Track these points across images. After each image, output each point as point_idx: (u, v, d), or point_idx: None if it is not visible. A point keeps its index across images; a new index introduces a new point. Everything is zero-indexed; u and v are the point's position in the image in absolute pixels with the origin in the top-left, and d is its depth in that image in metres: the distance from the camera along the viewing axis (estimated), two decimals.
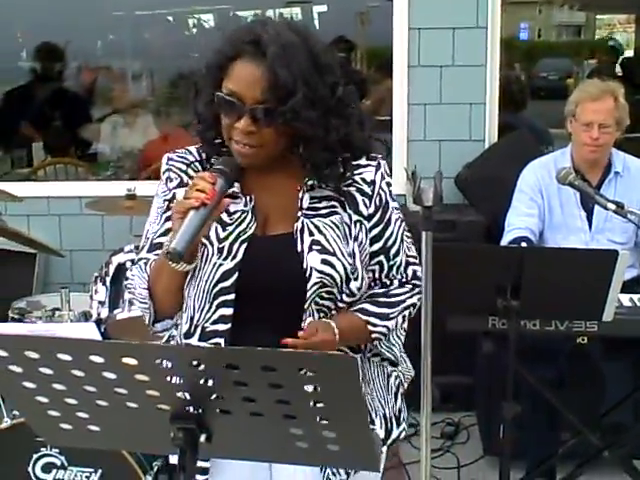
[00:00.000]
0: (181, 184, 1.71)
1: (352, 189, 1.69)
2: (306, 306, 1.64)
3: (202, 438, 1.31)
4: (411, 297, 1.76)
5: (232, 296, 1.65)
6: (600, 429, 2.98)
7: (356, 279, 1.67)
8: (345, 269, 1.65)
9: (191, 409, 1.29)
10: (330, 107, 1.60)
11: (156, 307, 1.69)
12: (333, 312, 1.68)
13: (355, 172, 1.70)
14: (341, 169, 1.67)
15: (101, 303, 2.92)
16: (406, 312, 1.76)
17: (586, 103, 3.04)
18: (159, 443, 1.40)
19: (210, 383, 1.24)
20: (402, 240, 1.75)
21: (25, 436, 2.47)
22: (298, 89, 1.55)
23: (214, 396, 1.27)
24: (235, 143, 1.61)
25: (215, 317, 1.67)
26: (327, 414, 1.25)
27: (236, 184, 1.67)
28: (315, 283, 1.63)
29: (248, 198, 1.69)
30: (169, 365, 1.23)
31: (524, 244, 2.90)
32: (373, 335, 1.72)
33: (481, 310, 2.57)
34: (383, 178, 1.72)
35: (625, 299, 2.75)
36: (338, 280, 1.65)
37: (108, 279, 2.95)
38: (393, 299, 1.74)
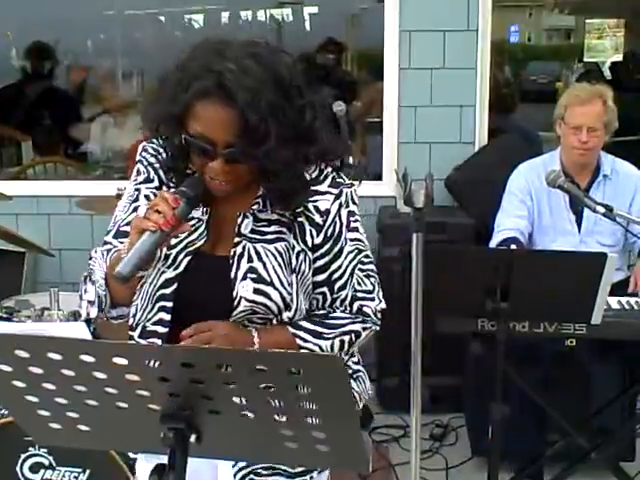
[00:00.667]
0: (147, 179, 1.70)
1: (302, 218, 1.64)
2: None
3: (192, 438, 1.31)
4: (353, 324, 1.68)
5: (170, 304, 1.66)
6: (588, 431, 2.99)
7: (289, 309, 1.63)
8: (283, 299, 1.62)
9: (181, 409, 1.29)
10: (301, 134, 1.57)
11: (112, 295, 1.70)
12: None
13: (310, 199, 1.63)
14: (304, 196, 1.62)
15: (90, 303, 2.89)
16: (345, 337, 1.67)
17: (575, 106, 3.06)
18: (149, 443, 1.40)
19: (200, 383, 1.24)
20: (351, 274, 1.67)
21: (13, 436, 2.46)
22: (270, 129, 1.51)
23: (204, 396, 1.27)
24: (210, 179, 1.59)
25: (155, 319, 1.68)
26: (316, 414, 1.25)
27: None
28: (242, 311, 1.62)
29: (205, 209, 1.67)
30: (159, 365, 1.23)
31: (514, 245, 2.91)
32: (302, 351, 1.64)
33: (470, 312, 2.58)
34: (342, 207, 1.65)
35: (613, 302, 2.77)
36: (274, 309, 1.62)
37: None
38: (331, 321, 1.67)
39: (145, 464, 1.74)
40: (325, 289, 1.67)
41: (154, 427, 1.30)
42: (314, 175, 1.65)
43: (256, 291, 1.61)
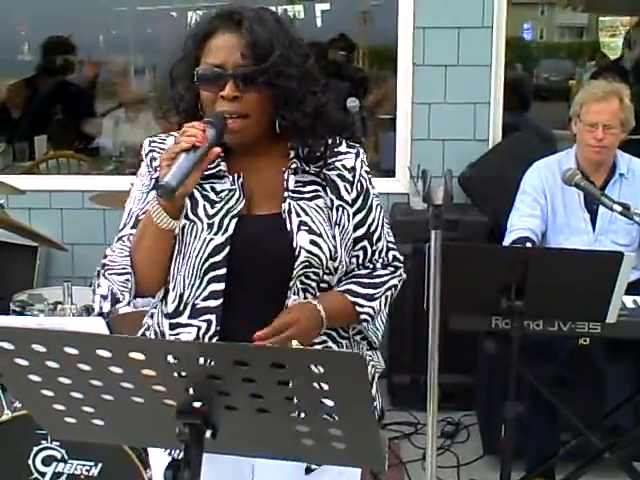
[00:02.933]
0: None
1: (333, 174, 1.72)
2: (291, 284, 1.66)
3: (207, 434, 1.30)
4: (392, 278, 1.79)
5: (223, 271, 1.65)
6: (601, 430, 2.98)
7: (335, 259, 1.70)
8: (330, 250, 1.68)
9: (197, 405, 1.29)
10: (305, 74, 1.65)
11: (137, 278, 1.66)
12: (315, 291, 1.70)
13: (336, 159, 1.73)
14: (323, 144, 1.70)
15: (103, 297, 2.92)
16: (388, 293, 1.79)
17: (591, 104, 3.04)
18: (164, 438, 1.40)
19: (217, 379, 1.23)
20: (383, 226, 1.79)
21: (26, 429, 2.47)
22: (276, 47, 1.60)
23: (221, 392, 1.26)
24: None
25: (206, 293, 1.66)
26: (334, 411, 1.25)
27: (222, 164, 1.69)
28: (302, 262, 1.65)
29: (235, 176, 1.70)
30: (176, 360, 1.22)
31: (529, 244, 2.90)
32: (361, 317, 1.74)
33: (484, 310, 2.57)
34: (362, 165, 1.76)
35: (628, 301, 2.75)
36: (324, 260, 1.68)
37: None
38: (377, 280, 1.77)
39: (159, 453, 1.73)
40: (366, 242, 1.77)
41: (169, 422, 1.29)
42: (330, 141, 1.73)
43: (311, 242, 1.66)
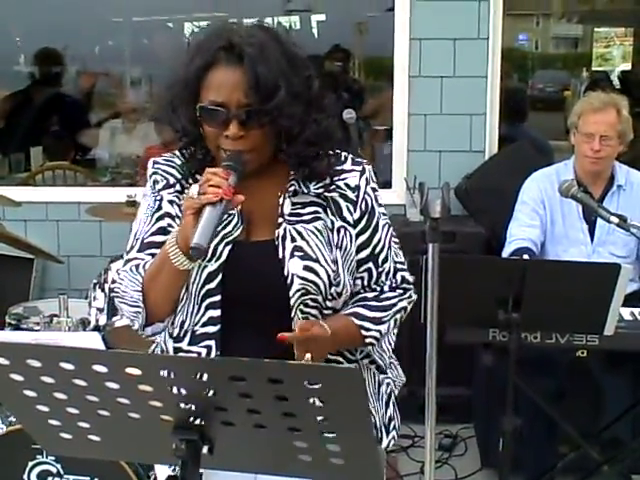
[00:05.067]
0: (167, 186, 1.71)
1: (335, 195, 1.68)
2: (292, 314, 1.63)
3: (204, 450, 1.29)
4: (401, 301, 1.75)
5: (218, 297, 1.64)
6: (599, 443, 2.96)
7: (337, 285, 1.66)
8: (328, 276, 1.64)
9: (194, 420, 1.28)
10: (309, 100, 1.62)
11: (148, 311, 1.65)
12: (319, 319, 1.66)
13: (339, 177, 1.68)
14: (326, 163, 1.67)
15: (100, 310, 2.91)
16: (397, 316, 1.74)
17: (588, 114, 3.05)
18: (160, 454, 1.38)
19: (214, 394, 1.22)
20: (390, 247, 1.73)
21: (21, 443, 2.45)
22: (280, 86, 1.56)
23: (218, 407, 1.25)
24: (223, 153, 1.60)
25: (204, 319, 1.66)
26: (332, 427, 1.24)
27: None
28: (297, 290, 1.62)
29: None
30: (173, 376, 1.21)
31: (526, 256, 2.89)
32: (367, 340, 1.70)
33: (482, 322, 2.56)
34: (368, 183, 1.71)
35: (626, 313, 2.75)
36: (322, 287, 1.64)
37: (107, 286, 2.93)
38: (385, 302, 1.72)
39: (164, 468, 1.73)
40: (370, 264, 1.71)
41: (166, 438, 1.28)
42: (334, 159, 1.70)
43: (305, 268, 1.63)
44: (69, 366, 1.20)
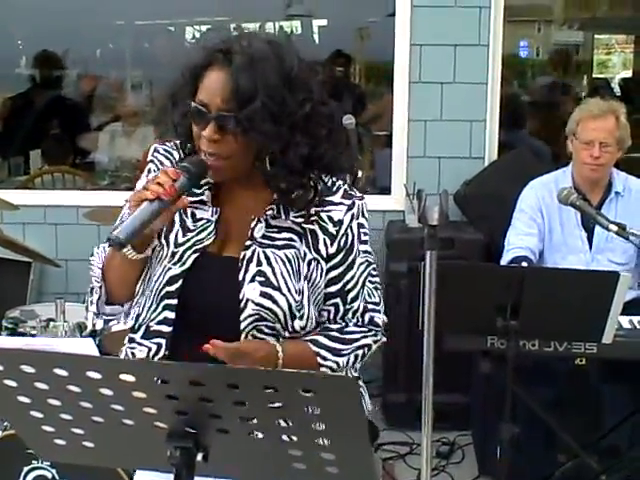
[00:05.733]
0: None
1: (315, 227, 1.65)
2: (243, 337, 1.61)
3: (199, 457, 1.29)
4: (366, 338, 1.70)
5: (175, 301, 1.64)
6: (598, 452, 2.95)
7: (301, 318, 1.63)
8: (290, 305, 1.61)
9: (188, 428, 1.27)
10: (295, 123, 1.57)
11: (107, 289, 1.69)
12: None
13: (323, 208, 1.65)
14: (311, 195, 1.63)
15: (96, 314, 2.90)
16: (359, 352, 1.69)
17: (587, 121, 3.04)
18: (154, 461, 1.38)
19: (209, 402, 1.21)
20: (363, 286, 1.69)
21: (16, 448, 2.43)
22: (258, 98, 1.54)
23: (212, 415, 1.24)
24: (203, 154, 1.60)
25: (160, 318, 1.66)
26: (327, 435, 1.23)
27: (207, 192, 1.67)
28: (250, 315, 1.60)
29: (215, 209, 1.68)
30: (167, 383, 1.20)
31: (525, 264, 2.88)
32: (322, 369, 1.65)
33: (480, 329, 2.55)
34: (354, 218, 1.66)
35: (625, 321, 2.74)
36: (281, 316, 1.61)
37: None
38: (347, 336, 1.68)
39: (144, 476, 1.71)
40: (338, 300, 1.68)
41: (160, 445, 1.27)
42: (326, 187, 1.67)
43: (263, 294, 1.60)
44: (63, 372, 1.19)
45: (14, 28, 5.72)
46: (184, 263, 1.64)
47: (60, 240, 4.18)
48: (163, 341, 1.66)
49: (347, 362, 1.68)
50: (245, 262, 1.63)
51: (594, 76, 9.45)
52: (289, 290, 1.61)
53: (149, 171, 1.73)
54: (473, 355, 3.13)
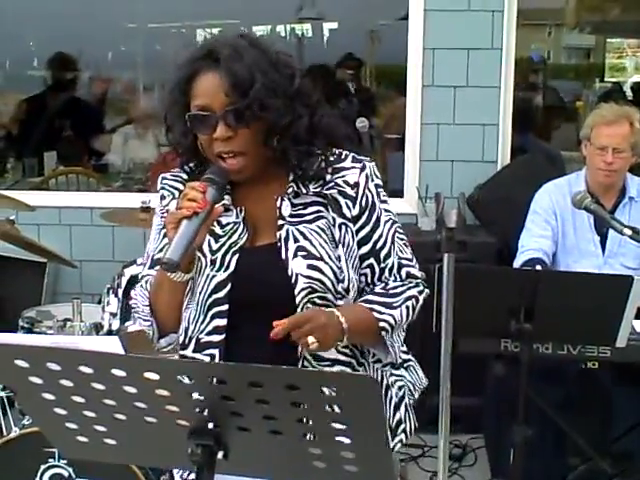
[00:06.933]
0: (174, 199, 1.74)
1: (334, 192, 1.69)
2: (299, 311, 1.63)
3: (219, 455, 1.30)
4: (410, 289, 1.74)
5: (225, 307, 1.66)
6: (610, 455, 2.95)
7: (342, 281, 1.66)
8: (334, 272, 1.65)
9: (210, 426, 1.28)
10: (291, 95, 1.63)
11: (159, 323, 1.71)
12: None
13: (338, 175, 1.69)
14: (322, 162, 1.67)
15: (113, 315, 2.92)
16: (409, 303, 1.72)
17: (601, 127, 3.05)
18: (175, 459, 1.40)
19: (231, 400, 1.23)
20: (393, 242, 1.73)
21: (33, 446, 2.46)
22: (256, 79, 1.58)
23: (234, 413, 1.26)
24: (221, 159, 1.63)
25: (209, 328, 1.68)
26: (347, 434, 1.24)
27: (227, 197, 1.69)
28: (303, 289, 1.63)
29: (239, 209, 1.71)
30: (190, 381, 1.22)
31: (539, 266, 2.89)
32: (380, 324, 1.68)
33: (494, 332, 2.56)
34: (369, 179, 1.71)
35: (638, 325, 2.74)
36: (329, 284, 1.64)
37: (120, 291, 2.94)
38: (392, 291, 1.72)
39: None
40: (372, 260, 1.71)
41: (181, 443, 1.29)
42: (335, 157, 1.71)
43: (309, 267, 1.64)
44: (88, 370, 1.21)
45: (27, 30, 5.76)
46: (227, 267, 1.67)
47: (75, 241, 4.21)
48: (216, 351, 1.67)
49: (401, 315, 1.69)
50: (283, 241, 1.66)
51: (606, 80, 9.43)
52: (330, 258, 1.65)
53: (162, 197, 1.76)
54: (486, 358, 3.14)
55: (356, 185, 1.70)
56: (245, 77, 1.58)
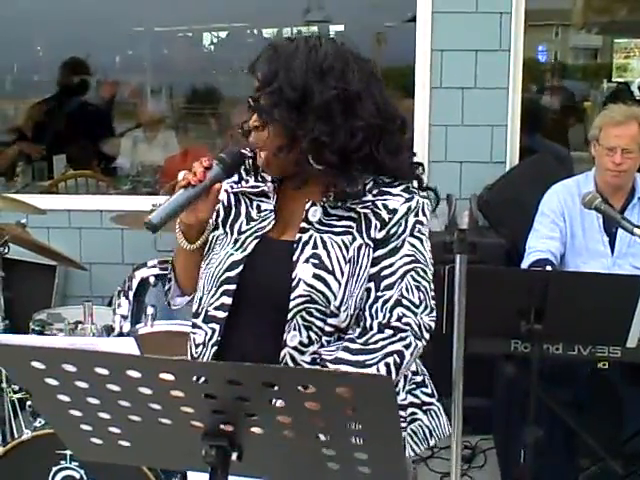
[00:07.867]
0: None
1: (369, 212, 1.64)
2: (289, 316, 1.62)
3: (233, 456, 1.31)
4: (392, 344, 1.61)
5: (233, 287, 1.68)
6: (621, 456, 2.95)
7: (336, 299, 1.62)
8: (339, 289, 1.62)
9: (224, 427, 1.29)
10: (319, 110, 1.58)
11: (178, 282, 1.82)
12: (320, 334, 1.63)
13: (381, 197, 1.64)
14: (359, 186, 1.62)
15: (123, 317, 2.93)
16: (389, 359, 1.60)
17: (609, 128, 3.04)
18: (189, 460, 1.40)
19: (245, 401, 1.24)
20: (402, 277, 1.62)
21: (45, 448, 2.47)
22: (276, 82, 1.59)
23: (248, 414, 1.26)
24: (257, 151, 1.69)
25: (217, 304, 1.70)
26: (361, 434, 1.25)
27: (270, 185, 1.72)
28: (301, 295, 1.62)
29: (275, 199, 1.73)
30: (205, 382, 1.23)
31: (548, 267, 2.89)
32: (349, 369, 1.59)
33: (504, 333, 2.56)
34: (410, 211, 1.64)
35: None
36: (331, 298, 1.61)
37: (131, 293, 2.95)
38: (371, 346, 1.61)
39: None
40: (372, 284, 1.64)
41: (195, 444, 1.29)
42: (386, 182, 1.66)
43: (315, 276, 1.62)
44: (104, 371, 1.22)
45: (35, 36, 5.78)
46: (245, 249, 1.70)
47: (84, 244, 4.22)
48: (217, 327, 1.70)
49: (377, 372, 1.58)
50: (301, 244, 1.66)
51: (613, 80, 9.40)
52: (342, 276, 1.63)
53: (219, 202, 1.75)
54: (496, 359, 3.14)
55: (393, 212, 1.63)
56: (267, 76, 1.60)
